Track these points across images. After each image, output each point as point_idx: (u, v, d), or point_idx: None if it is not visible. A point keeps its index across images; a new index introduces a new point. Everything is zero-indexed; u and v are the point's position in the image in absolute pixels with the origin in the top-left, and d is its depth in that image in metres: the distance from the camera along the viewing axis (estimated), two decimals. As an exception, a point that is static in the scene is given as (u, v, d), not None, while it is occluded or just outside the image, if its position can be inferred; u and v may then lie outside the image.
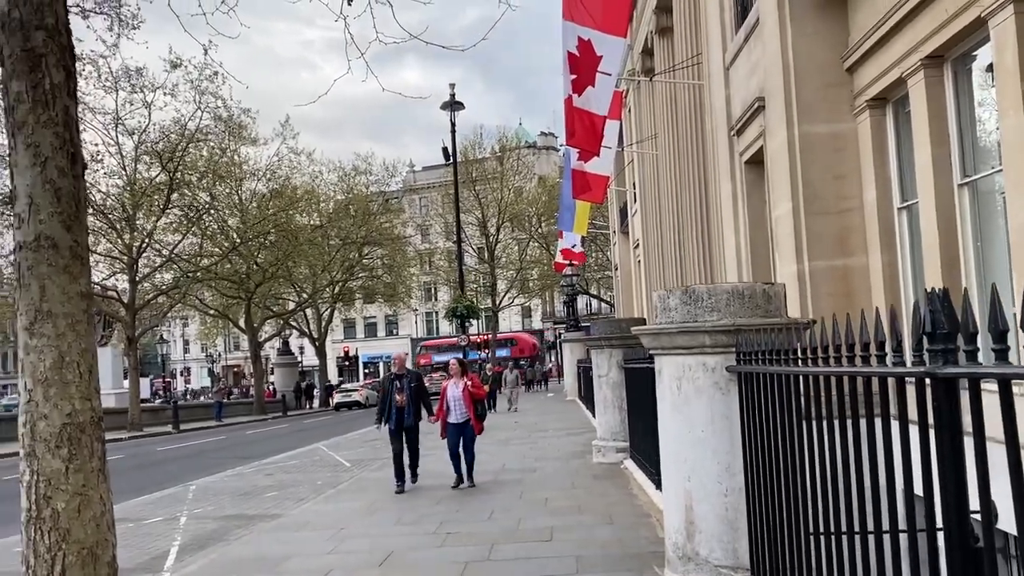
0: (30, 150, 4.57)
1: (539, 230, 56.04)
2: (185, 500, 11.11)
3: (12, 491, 13.79)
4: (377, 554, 7.23)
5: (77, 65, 4.93)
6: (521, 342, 40.96)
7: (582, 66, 12.60)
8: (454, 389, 10.69)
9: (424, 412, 11.03)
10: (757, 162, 11.20)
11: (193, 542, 8.28)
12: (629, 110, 23.70)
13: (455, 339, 37.71)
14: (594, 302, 63.64)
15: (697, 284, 5.68)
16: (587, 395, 23.36)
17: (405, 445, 10.80)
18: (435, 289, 71.51)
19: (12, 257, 4.72)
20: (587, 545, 7.05)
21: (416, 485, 10.97)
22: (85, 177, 4.91)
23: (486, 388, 24.90)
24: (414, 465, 11.05)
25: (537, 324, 76.41)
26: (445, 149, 28.02)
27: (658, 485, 8.27)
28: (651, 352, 5.55)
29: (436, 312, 77.58)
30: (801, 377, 3.68)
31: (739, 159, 11.85)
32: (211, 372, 79.52)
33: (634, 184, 24.09)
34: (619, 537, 7.33)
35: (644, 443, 9.47)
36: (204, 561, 7.40)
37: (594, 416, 18.13)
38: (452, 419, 10.61)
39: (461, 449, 10.68)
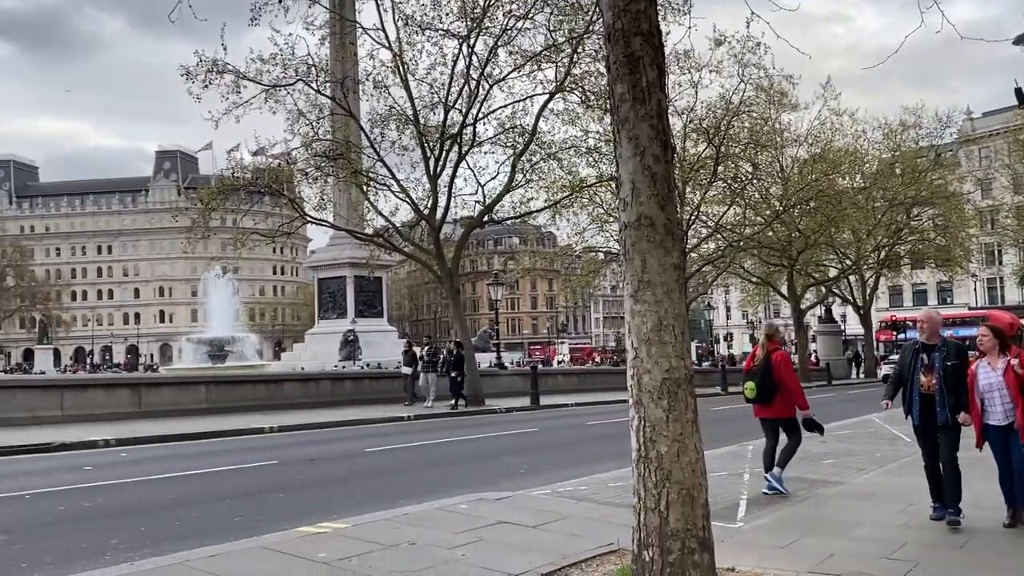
0: (631, 142, 5.27)
1: None
2: (745, 458, 11.69)
3: (603, 432, 15.87)
4: (956, 536, 6.78)
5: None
6: (995, 320, 32.62)
7: None
8: (988, 373, 7.01)
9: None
10: None
11: (758, 498, 8.70)
12: None
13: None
14: None
15: None
16: None
17: (939, 459, 7.25)
18: (999, 251, 62.85)
19: (619, 236, 5.53)
20: None
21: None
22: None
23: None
24: (954, 498, 7.15)
25: None
26: (1018, 90, 24.17)
27: None
28: None
29: (1000, 278, 68.19)
30: None
31: None
32: (752, 338, 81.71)
33: None
34: None
35: None
36: (772, 516, 7.75)
37: None
38: (989, 419, 6.99)
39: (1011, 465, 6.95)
